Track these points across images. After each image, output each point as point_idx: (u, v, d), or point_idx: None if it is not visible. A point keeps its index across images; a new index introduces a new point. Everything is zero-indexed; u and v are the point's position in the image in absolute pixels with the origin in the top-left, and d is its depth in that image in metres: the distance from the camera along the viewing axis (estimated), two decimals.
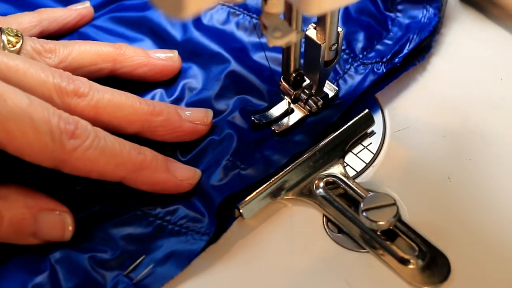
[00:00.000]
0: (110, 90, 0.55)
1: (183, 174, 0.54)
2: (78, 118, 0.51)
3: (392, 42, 0.63)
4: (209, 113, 0.58)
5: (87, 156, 0.50)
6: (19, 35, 0.56)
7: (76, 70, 0.58)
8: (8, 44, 0.55)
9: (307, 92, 0.58)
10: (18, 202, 0.51)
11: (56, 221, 0.52)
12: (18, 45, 0.56)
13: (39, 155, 0.50)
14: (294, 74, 0.58)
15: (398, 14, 0.65)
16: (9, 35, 0.56)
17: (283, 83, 0.58)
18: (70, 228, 0.52)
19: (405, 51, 0.61)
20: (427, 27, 0.62)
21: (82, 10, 0.64)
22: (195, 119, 0.57)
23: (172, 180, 0.54)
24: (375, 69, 0.61)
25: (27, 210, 0.51)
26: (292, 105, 0.59)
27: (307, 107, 0.59)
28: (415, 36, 0.62)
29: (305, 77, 0.58)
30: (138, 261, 0.52)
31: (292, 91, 0.58)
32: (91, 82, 0.54)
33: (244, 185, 0.54)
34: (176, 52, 0.62)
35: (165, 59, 0.61)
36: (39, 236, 0.51)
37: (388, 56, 0.61)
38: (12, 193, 0.51)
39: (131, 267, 0.51)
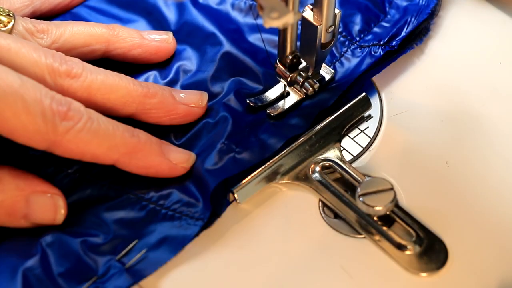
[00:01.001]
0: (104, 71, 0.54)
1: (178, 158, 0.54)
2: (71, 99, 0.50)
3: (389, 24, 0.62)
4: (204, 95, 0.57)
5: (80, 138, 0.50)
6: (11, 14, 0.55)
7: (69, 51, 0.57)
8: (0, 23, 0.54)
9: (303, 74, 0.57)
10: (10, 184, 0.50)
11: (48, 204, 0.51)
12: (10, 25, 0.55)
13: (31, 136, 0.49)
14: (290, 57, 0.57)
15: None
16: (1, 14, 0.55)
17: (279, 65, 0.57)
18: (62, 211, 0.51)
19: (403, 34, 0.60)
20: (425, 10, 0.61)
21: None
22: (190, 101, 0.56)
23: (166, 163, 0.53)
24: (372, 52, 0.60)
25: (18, 192, 0.50)
26: (288, 88, 0.58)
27: (303, 90, 0.58)
28: (413, 19, 0.61)
29: (301, 59, 0.57)
30: (131, 245, 0.51)
31: (288, 73, 0.57)
32: (84, 63, 0.53)
33: (239, 170, 0.53)
34: (170, 33, 0.61)
35: (160, 40, 0.60)
36: (30, 219, 0.51)
37: (386, 39, 0.60)
38: (4, 175, 0.50)
39: (123, 252, 0.51)
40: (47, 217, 0.51)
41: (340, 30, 0.61)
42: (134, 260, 0.50)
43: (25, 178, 0.51)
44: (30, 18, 0.58)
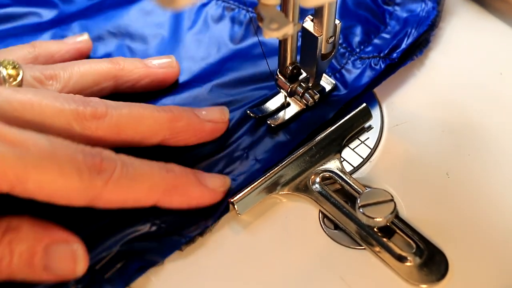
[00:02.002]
0: (126, 104, 0.53)
1: (215, 183, 0.53)
2: (101, 148, 0.50)
3: (389, 36, 0.62)
4: (225, 110, 0.57)
5: (119, 186, 0.49)
6: (17, 66, 0.54)
7: (80, 93, 0.55)
8: (10, 78, 0.53)
9: (304, 85, 0.57)
10: (29, 234, 0.48)
11: (67, 253, 0.48)
12: (19, 78, 0.53)
13: (71, 197, 0.48)
14: (290, 67, 0.57)
15: (396, 8, 0.64)
16: (8, 68, 0.53)
17: (279, 76, 0.57)
18: (82, 262, 0.49)
19: (403, 46, 0.60)
20: (425, 21, 0.61)
21: (80, 45, 0.62)
22: (213, 118, 0.56)
23: (206, 191, 0.52)
24: (373, 64, 0.60)
25: (37, 242, 0.48)
26: (288, 99, 0.58)
27: (303, 100, 0.58)
28: (413, 31, 0.61)
29: (301, 70, 0.57)
30: (110, 255, 0.50)
31: (289, 84, 0.57)
32: (104, 100, 0.53)
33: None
34: (173, 57, 0.61)
35: (165, 66, 0.60)
36: (51, 270, 0.48)
37: (386, 51, 0.60)
38: (23, 225, 0.48)
39: (103, 261, 0.50)
40: (66, 268, 0.48)
41: (340, 41, 0.61)
42: (113, 271, 0.50)
43: (44, 227, 0.49)
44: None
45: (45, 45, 0.60)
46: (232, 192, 0.53)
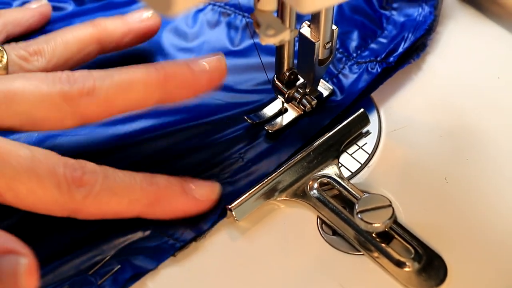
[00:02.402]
0: (115, 72, 0.52)
1: (202, 193, 0.52)
2: (84, 162, 0.50)
3: (386, 40, 0.62)
4: (222, 57, 0.54)
5: (99, 200, 0.49)
6: (1, 48, 0.54)
7: (66, 63, 0.56)
8: None
9: (301, 91, 0.57)
10: None
11: (10, 266, 0.44)
12: (4, 60, 0.54)
13: (50, 208, 0.48)
14: (287, 73, 0.57)
15: (393, 13, 0.64)
16: None
17: (277, 82, 0.57)
18: (26, 277, 0.44)
19: (400, 50, 0.60)
20: (422, 26, 0.61)
21: (42, 8, 0.63)
22: (209, 67, 0.53)
23: (191, 203, 0.52)
24: (369, 68, 0.60)
25: None
26: (285, 105, 0.58)
27: (301, 106, 0.58)
28: (410, 35, 0.61)
29: (299, 76, 0.57)
30: (104, 261, 0.50)
31: (286, 90, 0.57)
32: (92, 72, 0.51)
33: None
34: (151, 11, 0.60)
35: (146, 20, 0.60)
36: None
37: (383, 55, 0.60)
38: None
39: (96, 267, 0.50)
40: (9, 281, 0.44)
41: (337, 46, 0.61)
42: (107, 277, 0.50)
43: None
44: (4, 42, 0.58)
45: (9, 12, 0.61)
46: (229, 196, 0.53)
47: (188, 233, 0.52)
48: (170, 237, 0.51)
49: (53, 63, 0.56)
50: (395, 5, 0.64)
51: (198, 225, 0.52)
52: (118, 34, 0.59)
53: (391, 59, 0.60)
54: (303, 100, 0.57)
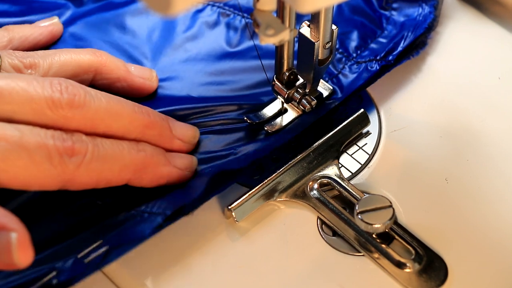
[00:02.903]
0: (106, 97, 0.52)
1: (182, 164, 0.54)
2: (71, 132, 0.50)
3: (386, 40, 0.62)
4: (197, 132, 0.57)
5: (91, 168, 0.49)
6: None
7: None
8: None
9: (301, 91, 0.57)
10: None
11: (3, 241, 0.45)
12: None
13: (44, 183, 0.48)
14: (287, 73, 0.56)
15: (393, 13, 0.64)
16: None
17: (276, 82, 0.57)
18: (19, 251, 0.45)
19: (399, 48, 0.60)
20: (421, 25, 0.61)
21: (52, 27, 0.62)
22: (184, 137, 0.56)
23: (174, 171, 0.53)
24: (369, 67, 0.60)
25: None
26: (285, 105, 0.58)
27: (300, 106, 0.58)
28: (409, 34, 0.61)
29: (298, 76, 0.57)
30: (94, 245, 0.50)
31: (286, 90, 0.57)
32: (84, 87, 0.52)
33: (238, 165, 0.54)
34: (154, 72, 0.61)
35: (144, 77, 0.60)
36: None
37: (382, 54, 0.60)
38: None
39: (85, 250, 0.50)
40: (3, 257, 0.45)
41: (336, 46, 0.61)
42: (95, 256, 0.50)
43: None
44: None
45: (18, 28, 0.61)
46: (232, 163, 0.54)
47: (171, 205, 0.52)
48: (156, 213, 0.51)
49: None
50: (395, 5, 0.64)
51: (182, 199, 0.52)
52: (115, 75, 0.58)
53: (390, 57, 0.59)
54: (303, 100, 0.57)
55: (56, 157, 0.48)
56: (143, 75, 0.60)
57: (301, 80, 0.57)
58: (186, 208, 0.52)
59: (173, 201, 0.52)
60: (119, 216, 0.52)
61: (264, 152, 0.55)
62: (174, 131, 0.56)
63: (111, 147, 0.51)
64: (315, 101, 0.57)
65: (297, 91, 0.57)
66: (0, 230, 0.45)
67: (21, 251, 0.45)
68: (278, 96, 0.58)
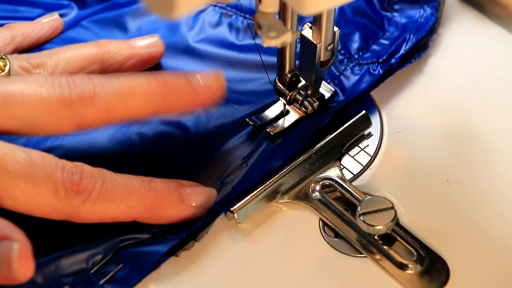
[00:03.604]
0: (115, 77, 0.51)
1: (198, 201, 0.52)
2: (82, 164, 0.49)
3: (388, 42, 0.62)
4: (220, 73, 0.54)
5: (96, 207, 0.49)
6: (3, 57, 0.54)
7: None
8: None
9: (303, 93, 0.57)
10: None
11: (4, 252, 0.45)
12: (7, 68, 0.54)
13: (47, 213, 0.49)
14: (289, 75, 0.56)
15: (395, 14, 0.64)
16: None
17: (278, 84, 0.57)
18: (19, 262, 0.45)
19: (402, 51, 0.60)
20: (423, 27, 0.61)
21: (53, 22, 0.63)
22: (208, 83, 0.53)
23: (187, 210, 0.52)
24: (371, 70, 0.60)
25: None
26: (287, 106, 0.58)
27: (302, 108, 0.58)
28: (411, 36, 0.61)
29: (300, 77, 0.57)
30: (106, 259, 0.50)
31: (288, 92, 0.57)
32: (92, 77, 0.51)
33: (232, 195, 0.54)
34: (157, 36, 0.61)
35: (150, 46, 0.60)
36: None
37: (384, 57, 0.60)
38: None
39: (98, 265, 0.50)
40: (4, 267, 0.45)
41: (338, 48, 0.61)
42: (109, 276, 0.50)
43: None
44: (12, 54, 0.58)
45: (20, 25, 0.61)
46: (229, 200, 0.53)
47: (186, 230, 0.52)
48: (168, 234, 0.51)
49: None
50: (396, 6, 0.64)
51: (195, 223, 0.52)
52: (121, 57, 0.59)
53: (393, 60, 0.59)
54: (305, 102, 0.57)
55: (61, 191, 0.48)
56: (147, 45, 0.60)
57: (303, 82, 0.57)
58: (198, 229, 0.52)
59: (188, 223, 0.52)
60: (131, 233, 0.52)
61: (276, 164, 0.55)
62: (196, 81, 0.53)
63: (120, 183, 0.50)
64: (317, 103, 0.57)
65: (299, 93, 0.57)
66: (1, 239, 0.45)
67: (21, 262, 0.45)
68: (280, 98, 0.58)
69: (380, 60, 0.60)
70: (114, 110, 0.51)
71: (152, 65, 0.60)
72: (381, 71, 0.59)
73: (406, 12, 0.63)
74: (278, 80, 0.57)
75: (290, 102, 0.57)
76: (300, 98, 0.57)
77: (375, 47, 0.62)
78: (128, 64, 0.59)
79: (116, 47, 0.59)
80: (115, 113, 0.51)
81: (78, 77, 0.51)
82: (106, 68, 0.58)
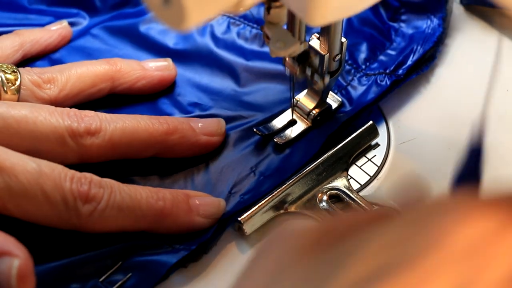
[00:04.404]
0: (121, 118, 0.53)
1: (207, 211, 0.52)
2: (90, 175, 0.50)
3: (395, 52, 0.62)
4: (222, 122, 0.57)
5: (104, 217, 0.49)
6: (15, 70, 0.55)
7: (77, 96, 0.57)
8: (8, 82, 0.54)
9: (312, 68, 0.55)
10: None
11: (5, 268, 0.45)
12: (18, 82, 0.54)
13: (55, 223, 0.49)
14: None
15: (402, 25, 0.64)
16: (6, 72, 0.54)
17: (287, 59, 0.55)
18: (17, 280, 0.44)
19: (409, 62, 0.60)
20: (431, 38, 0.61)
21: (62, 30, 0.63)
22: (209, 131, 0.56)
23: (196, 221, 0.52)
24: (378, 81, 0.60)
25: None
26: (295, 116, 0.58)
27: (309, 118, 0.58)
28: (419, 47, 0.61)
29: (309, 54, 0.55)
30: (115, 267, 0.50)
31: (297, 65, 0.54)
32: (99, 114, 0.53)
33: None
34: (169, 60, 0.61)
35: (162, 69, 0.60)
36: None
37: (392, 68, 0.60)
38: None
39: (106, 274, 0.50)
40: (4, 284, 0.45)
41: (346, 58, 0.61)
42: (118, 285, 0.50)
43: None
44: (21, 61, 0.59)
45: (29, 32, 0.61)
46: (237, 211, 0.53)
47: (196, 241, 0.52)
48: (178, 245, 0.51)
49: (65, 93, 0.56)
50: (403, 17, 0.64)
51: (205, 232, 0.52)
52: (132, 77, 0.59)
53: (400, 71, 0.59)
54: (315, 77, 0.55)
55: (70, 201, 0.48)
56: (159, 67, 0.60)
57: (312, 57, 0.55)
58: (209, 241, 0.52)
59: (197, 234, 0.52)
60: (140, 241, 0.52)
61: (286, 174, 0.55)
62: (198, 128, 0.55)
63: (129, 194, 0.50)
64: (328, 77, 0.55)
65: (309, 66, 0.55)
66: (3, 255, 0.45)
67: (20, 280, 0.45)
68: (289, 74, 0.56)
69: (388, 71, 0.60)
70: (118, 147, 0.52)
71: (163, 89, 0.60)
72: (388, 82, 0.59)
73: (413, 23, 0.63)
74: (288, 27, 0.52)
75: (299, 76, 0.55)
76: (309, 74, 0.55)
77: (382, 57, 0.62)
78: (138, 85, 0.59)
79: (128, 67, 0.59)
80: (119, 150, 0.53)
81: (86, 112, 0.53)
82: (116, 87, 0.58)
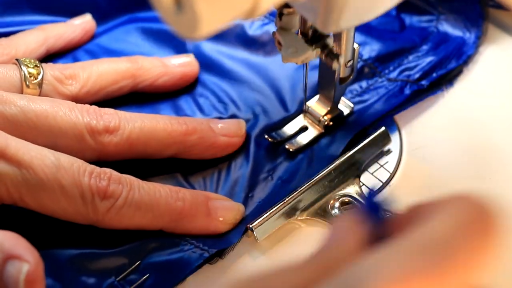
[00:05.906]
0: (139, 117, 0.53)
1: (225, 215, 0.52)
2: (110, 170, 0.50)
3: (421, 61, 0.60)
4: (242, 123, 0.57)
5: (122, 214, 0.49)
6: (38, 65, 0.55)
7: (98, 93, 0.57)
8: (30, 76, 0.54)
9: (325, 48, 0.52)
10: None
11: (15, 272, 0.44)
12: (40, 77, 0.54)
13: (72, 217, 0.49)
14: (311, 29, 0.51)
15: (433, 32, 0.62)
16: (29, 67, 0.54)
17: (301, 37, 0.52)
18: (26, 284, 0.43)
19: (434, 75, 0.59)
20: (462, 56, 0.60)
21: (85, 24, 0.63)
22: (229, 132, 0.55)
23: (214, 224, 0.52)
24: (400, 88, 0.59)
25: None
26: (306, 122, 0.58)
27: (320, 124, 0.58)
28: (452, 61, 0.59)
29: (323, 35, 0.52)
30: (133, 267, 0.50)
31: (311, 43, 0.51)
32: (118, 112, 0.53)
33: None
34: (192, 55, 0.61)
35: (184, 65, 0.60)
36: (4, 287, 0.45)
37: (416, 76, 0.59)
38: None
39: (124, 273, 0.50)
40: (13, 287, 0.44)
41: (368, 62, 0.61)
42: (136, 285, 0.50)
43: (10, 238, 0.45)
44: (45, 56, 0.59)
45: (52, 27, 0.61)
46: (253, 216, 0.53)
47: (216, 244, 0.51)
48: (198, 247, 0.51)
49: (86, 90, 0.56)
50: (438, 25, 0.62)
51: (226, 236, 0.52)
52: (154, 73, 0.58)
53: (424, 82, 0.59)
54: (328, 57, 0.52)
55: (88, 196, 0.48)
56: (182, 64, 0.60)
57: (325, 38, 0.53)
58: (227, 245, 0.52)
59: (219, 238, 0.52)
60: (159, 239, 0.51)
61: (304, 179, 0.55)
62: (217, 129, 0.55)
63: (148, 193, 0.50)
64: (342, 59, 0.53)
65: (322, 47, 0.52)
66: (13, 259, 0.44)
67: (29, 285, 0.44)
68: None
69: (411, 79, 0.59)
70: (135, 146, 0.52)
71: (186, 85, 0.60)
72: (409, 91, 0.58)
73: (447, 31, 0.62)
74: (301, 33, 0.52)
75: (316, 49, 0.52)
76: (324, 52, 0.52)
77: (406, 63, 0.60)
78: (160, 82, 0.59)
79: (149, 64, 0.58)
80: (136, 149, 0.53)
81: (105, 110, 0.53)
82: (138, 84, 0.58)
